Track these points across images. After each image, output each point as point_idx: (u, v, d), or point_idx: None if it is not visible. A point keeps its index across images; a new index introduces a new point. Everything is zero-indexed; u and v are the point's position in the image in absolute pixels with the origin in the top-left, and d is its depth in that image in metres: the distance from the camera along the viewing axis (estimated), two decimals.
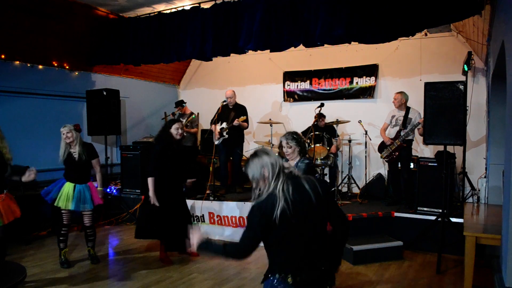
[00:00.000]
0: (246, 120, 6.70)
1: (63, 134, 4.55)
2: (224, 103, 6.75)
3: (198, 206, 5.91)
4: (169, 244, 4.79)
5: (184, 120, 7.08)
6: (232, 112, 6.69)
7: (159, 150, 4.64)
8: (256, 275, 4.43)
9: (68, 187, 4.56)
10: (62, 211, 4.59)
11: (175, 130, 4.62)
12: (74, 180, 4.59)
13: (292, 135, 3.63)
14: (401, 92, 5.95)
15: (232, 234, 5.80)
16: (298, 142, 3.59)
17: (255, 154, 2.15)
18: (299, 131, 7.65)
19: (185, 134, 6.75)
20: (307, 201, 2.03)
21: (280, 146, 3.74)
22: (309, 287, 2.04)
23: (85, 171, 4.66)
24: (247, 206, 5.70)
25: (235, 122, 6.48)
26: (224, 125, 6.65)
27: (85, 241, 4.83)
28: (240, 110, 6.70)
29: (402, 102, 5.90)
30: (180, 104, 7.34)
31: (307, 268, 2.04)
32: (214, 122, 6.68)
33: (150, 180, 4.55)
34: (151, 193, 4.54)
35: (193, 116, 7.18)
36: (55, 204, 4.52)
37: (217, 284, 4.16)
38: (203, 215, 5.96)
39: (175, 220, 4.60)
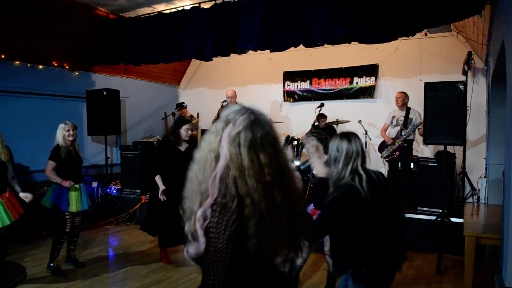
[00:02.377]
0: None
1: (68, 131, 4.30)
2: (225, 103, 6.76)
3: None
4: (166, 240, 4.67)
5: None
6: None
7: (159, 148, 4.64)
8: None
9: (73, 189, 4.39)
10: (67, 217, 4.36)
11: (184, 131, 4.53)
12: (77, 180, 4.44)
13: (313, 134, 3.61)
14: (403, 92, 5.97)
15: None
16: (319, 139, 3.53)
17: (342, 135, 2.23)
18: (300, 131, 7.67)
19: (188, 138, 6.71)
20: (379, 195, 2.16)
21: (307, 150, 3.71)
22: (388, 273, 2.23)
23: (81, 169, 4.62)
24: None
25: None
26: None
27: (68, 243, 4.56)
28: None
29: (405, 101, 5.92)
30: (181, 106, 7.34)
31: (385, 256, 2.19)
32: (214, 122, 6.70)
33: (157, 178, 4.52)
34: (160, 189, 4.48)
35: (197, 120, 7.19)
36: (70, 210, 4.33)
37: None
38: None
39: (175, 217, 4.55)
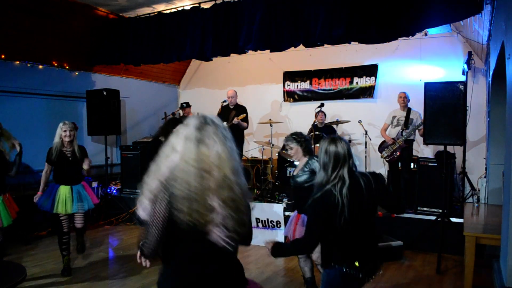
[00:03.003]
0: (246, 120, 6.70)
1: (65, 131, 4.21)
2: (224, 103, 6.75)
3: None
4: None
5: None
6: (232, 112, 6.69)
7: (153, 149, 4.58)
8: (256, 275, 4.43)
9: (64, 190, 4.28)
10: (61, 218, 4.31)
11: None
12: (69, 181, 4.32)
13: (292, 136, 3.57)
14: (404, 92, 6.00)
15: None
16: (298, 142, 3.51)
17: (329, 140, 2.30)
18: (300, 131, 7.67)
19: None
20: (360, 199, 2.23)
21: (285, 150, 3.70)
22: (369, 269, 2.28)
23: (78, 170, 4.38)
24: None
25: (235, 120, 6.48)
26: (224, 124, 6.66)
27: (66, 247, 4.40)
28: (240, 110, 6.70)
29: (408, 101, 5.95)
30: (181, 106, 7.34)
31: (366, 254, 2.29)
32: None
33: None
34: None
35: None
36: (54, 211, 4.25)
37: None
38: None
39: None
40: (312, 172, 3.37)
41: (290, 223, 3.62)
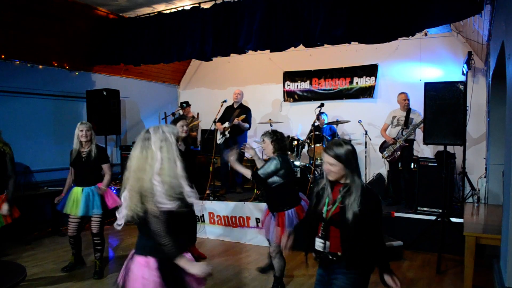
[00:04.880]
0: (249, 121, 6.69)
1: (82, 131, 4.19)
2: (225, 103, 6.75)
3: (198, 206, 5.91)
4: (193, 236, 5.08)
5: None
6: (236, 111, 6.69)
7: None
8: (256, 275, 4.43)
9: (76, 191, 4.27)
10: (69, 219, 4.32)
11: (180, 127, 4.45)
12: (82, 182, 4.29)
13: (269, 131, 3.69)
14: (406, 93, 6.00)
15: (232, 234, 5.80)
16: (271, 138, 3.59)
17: (347, 143, 2.28)
18: (300, 131, 7.67)
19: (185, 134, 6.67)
20: None
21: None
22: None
23: (93, 172, 4.30)
24: (247, 206, 5.70)
25: (234, 121, 6.47)
26: (227, 124, 6.65)
27: (93, 250, 4.46)
28: (243, 111, 6.70)
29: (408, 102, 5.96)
30: (181, 105, 7.34)
31: None
32: (215, 121, 6.67)
33: None
34: None
35: (198, 121, 7.18)
36: (64, 211, 4.26)
37: (217, 285, 4.16)
38: (203, 215, 5.96)
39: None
40: (274, 172, 3.54)
41: (271, 225, 3.70)
